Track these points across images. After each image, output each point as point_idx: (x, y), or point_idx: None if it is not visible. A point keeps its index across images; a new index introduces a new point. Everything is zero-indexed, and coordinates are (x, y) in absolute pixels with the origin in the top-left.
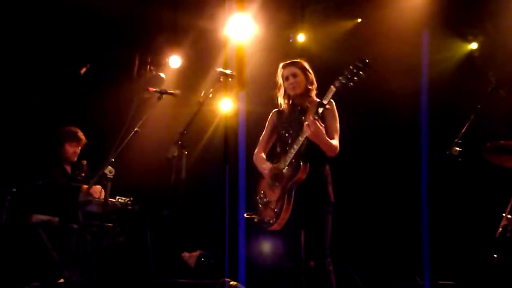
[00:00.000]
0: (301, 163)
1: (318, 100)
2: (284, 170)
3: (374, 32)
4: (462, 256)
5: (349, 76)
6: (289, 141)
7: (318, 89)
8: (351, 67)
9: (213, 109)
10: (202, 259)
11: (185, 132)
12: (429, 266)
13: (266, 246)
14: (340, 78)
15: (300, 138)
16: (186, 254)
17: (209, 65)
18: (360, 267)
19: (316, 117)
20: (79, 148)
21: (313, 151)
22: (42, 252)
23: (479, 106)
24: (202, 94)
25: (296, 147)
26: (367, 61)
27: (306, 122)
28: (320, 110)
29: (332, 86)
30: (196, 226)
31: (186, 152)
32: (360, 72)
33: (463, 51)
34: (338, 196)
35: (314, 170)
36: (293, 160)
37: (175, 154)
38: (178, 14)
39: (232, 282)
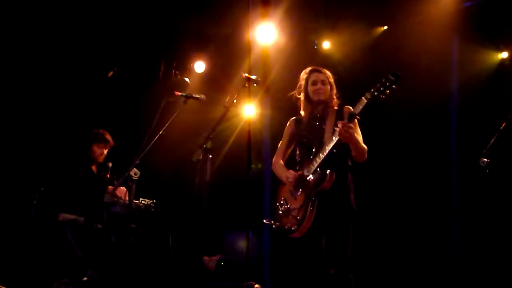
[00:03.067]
0: (328, 172)
1: (336, 108)
2: (308, 178)
3: (401, 40)
4: (489, 266)
5: (381, 89)
6: (312, 149)
7: (341, 98)
8: (383, 79)
9: (237, 113)
10: (222, 264)
11: (210, 136)
12: (460, 278)
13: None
14: (372, 90)
15: (327, 147)
16: (206, 258)
17: (233, 71)
18: (383, 277)
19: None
20: (106, 150)
21: (337, 159)
22: (67, 250)
23: (510, 116)
24: (227, 99)
25: (321, 155)
26: (400, 74)
27: (339, 125)
28: (348, 121)
29: (363, 98)
30: (218, 230)
31: (210, 156)
32: (393, 86)
33: (494, 60)
34: (363, 205)
35: (337, 178)
36: (318, 169)
37: (200, 157)
38: (203, 20)
39: (256, 286)
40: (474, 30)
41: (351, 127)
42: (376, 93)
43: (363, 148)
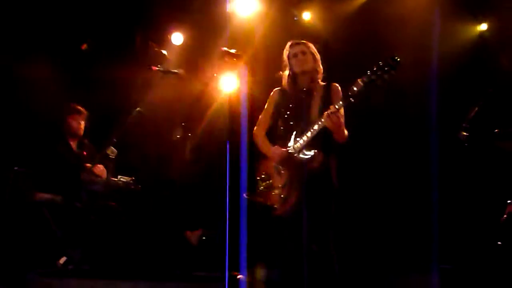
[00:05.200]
0: (315, 152)
1: (323, 84)
2: (294, 156)
3: (382, 12)
4: (466, 241)
5: (378, 73)
6: (297, 124)
7: (325, 70)
8: (381, 63)
9: (216, 87)
10: (204, 238)
11: (190, 114)
12: (437, 253)
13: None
14: (368, 73)
15: (315, 127)
16: (188, 233)
17: (211, 42)
18: (367, 255)
19: (337, 107)
20: (82, 120)
21: (323, 138)
22: (45, 230)
23: (490, 90)
24: (206, 75)
25: (309, 134)
26: (398, 60)
27: (328, 112)
28: (342, 103)
29: (359, 81)
30: (199, 205)
31: (190, 134)
32: (391, 71)
33: (473, 32)
34: (345, 184)
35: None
36: (305, 148)
37: (179, 136)
38: None
39: (239, 276)
40: (454, 2)
41: (340, 117)
42: (373, 77)
43: (344, 135)
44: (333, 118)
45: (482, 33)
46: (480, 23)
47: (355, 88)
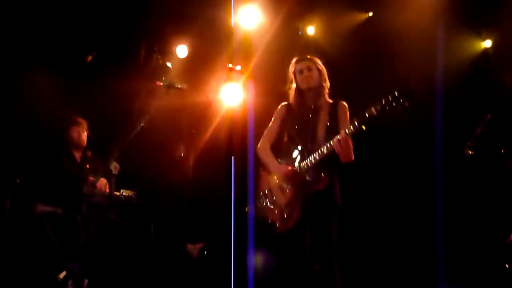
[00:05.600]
0: (323, 175)
1: (330, 101)
2: (301, 176)
3: (386, 27)
4: (473, 262)
5: (393, 104)
6: (304, 143)
7: (330, 86)
8: (396, 94)
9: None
10: (205, 252)
11: (193, 131)
12: (443, 271)
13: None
14: (383, 102)
15: (324, 150)
16: (189, 246)
17: (216, 55)
18: (369, 271)
19: (348, 133)
20: (84, 131)
21: (330, 160)
22: (45, 242)
23: (495, 109)
24: (211, 93)
25: (317, 156)
26: (413, 90)
27: (338, 137)
28: (353, 129)
29: (372, 109)
30: (201, 218)
31: (193, 151)
32: (405, 103)
33: (477, 49)
34: (349, 199)
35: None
36: (312, 169)
37: (182, 154)
38: (185, 1)
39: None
40: (458, 18)
41: (350, 143)
42: (387, 107)
43: (353, 158)
44: (343, 144)
45: (486, 50)
46: (484, 39)
47: (367, 116)
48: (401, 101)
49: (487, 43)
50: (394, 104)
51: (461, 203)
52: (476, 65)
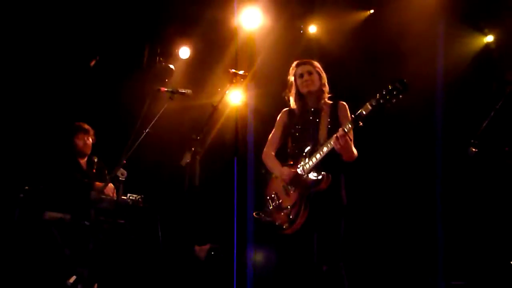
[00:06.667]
0: (324, 174)
1: (330, 102)
2: (304, 178)
3: (387, 24)
4: (476, 258)
5: (387, 97)
6: (306, 145)
7: (330, 86)
8: (390, 86)
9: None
10: (212, 253)
11: (198, 138)
12: (442, 267)
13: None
14: (377, 96)
15: (324, 149)
16: (197, 248)
17: (218, 57)
18: (374, 269)
19: (346, 130)
20: (89, 138)
21: (332, 159)
22: (54, 248)
23: (497, 106)
24: (215, 99)
25: (318, 156)
26: (407, 83)
27: (336, 135)
28: (351, 126)
29: (368, 104)
30: (207, 220)
31: (199, 158)
32: (399, 95)
33: (479, 44)
34: (352, 199)
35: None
36: (314, 169)
37: (188, 161)
38: (188, 4)
39: None
40: (460, 13)
41: (348, 140)
42: (382, 101)
43: (354, 155)
44: (341, 141)
45: (488, 45)
46: (486, 35)
47: (363, 112)
48: (395, 93)
49: (489, 38)
50: (388, 97)
51: (464, 201)
52: (478, 61)
